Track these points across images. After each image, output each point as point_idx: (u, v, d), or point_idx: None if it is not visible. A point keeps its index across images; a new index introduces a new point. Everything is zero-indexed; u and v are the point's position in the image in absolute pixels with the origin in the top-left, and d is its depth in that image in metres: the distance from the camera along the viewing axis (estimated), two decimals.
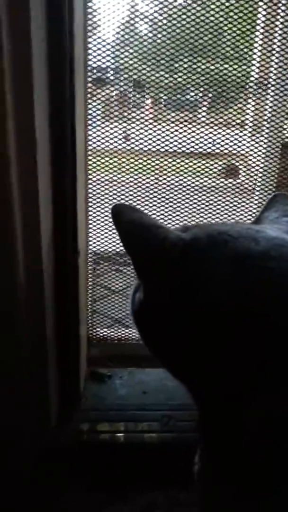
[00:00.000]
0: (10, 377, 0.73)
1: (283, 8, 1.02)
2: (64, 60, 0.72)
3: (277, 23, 1.04)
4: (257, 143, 1.13)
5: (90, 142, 1.04)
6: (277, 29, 1.04)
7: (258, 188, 1.12)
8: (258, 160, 1.14)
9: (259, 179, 1.15)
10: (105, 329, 1.11)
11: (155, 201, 1.11)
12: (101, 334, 1.11)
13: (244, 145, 1.12)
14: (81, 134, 0.87)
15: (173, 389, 0.85)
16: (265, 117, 1.11)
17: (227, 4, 1.03)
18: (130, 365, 1.01)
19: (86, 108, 0.94)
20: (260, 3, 1.03)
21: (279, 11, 1.01)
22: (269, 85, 1.10)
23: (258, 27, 1.04)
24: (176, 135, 1.08)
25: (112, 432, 0.85)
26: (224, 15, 1.05)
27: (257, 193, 1.13)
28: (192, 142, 1.09)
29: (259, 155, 1.13)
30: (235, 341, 0.46)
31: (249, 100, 1.11)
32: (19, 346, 0.73)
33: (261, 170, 1.15)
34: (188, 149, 1.10)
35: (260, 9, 1.04)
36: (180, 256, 0.51)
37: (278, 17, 1.02)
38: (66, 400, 0.86)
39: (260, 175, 1.15)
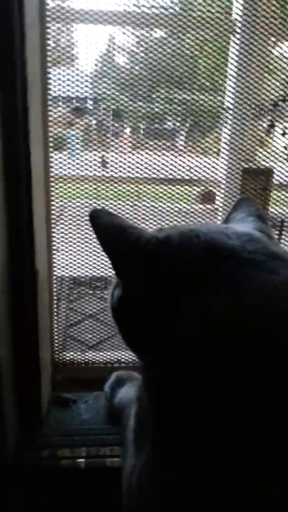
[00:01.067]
0: None
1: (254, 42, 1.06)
2: (15, 82, 0.72)
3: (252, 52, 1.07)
4: (229, 168, 1.15)
5: (66, 169, 1.05)
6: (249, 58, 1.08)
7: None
8: (231, 185, 1.16)
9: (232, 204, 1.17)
10: (72, 353, 1.09)
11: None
12: (68, 358, 1.08)
13: (218, 171, 1.15)
14: (39, 160, 0.88)
15: None
16: (232, 143, 1.14)
17: (201, 38, 1.07)
18: (97, 388, 0.98)
19: (46, 132, 0.96)
20: (232, 38, 1.07)
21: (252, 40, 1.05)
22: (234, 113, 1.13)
23: (230, 59, 1.08)
24: (154, 163, 1.10)
25: (73, 458, 0.82)
26: (199, 48, 1.09)
27: None
28: (170, 169, 1.11)
29: (231, 180, 1.15)
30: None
31: (223, 128, 1.14)
32: None
33: (234, 194, 1.17)
34: (165, 176, 1.12)
35: (231, 42, 1.08)
36: (154, 251, 0.54)
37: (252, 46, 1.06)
38: (26, 425, 0.83)
39: (233, 199, 1.17)
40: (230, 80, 1.09)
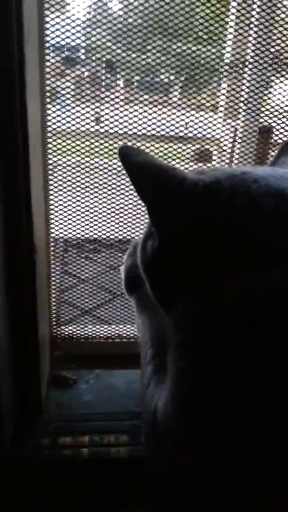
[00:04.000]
0: None
1: None
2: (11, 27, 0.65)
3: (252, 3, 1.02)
4: (232, 126, 1.12)
5: (58, 123, 1.01)
6: (250, 9, 1.03)
7: None
8: (232, 145, 1.13)
9: (234, 165, 1.14)
10: (71, 327, 1.02)
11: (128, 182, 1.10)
12: (66, 333, 1.01)
13: (218, 129, 1.11)
14: (36, 114, 0.82)
15: None
16: (241, 100, 1.10)
17: None
18: (98, 366, 0.93)
19: (43, 86, 0.90)
20: None
21: None
22: (244, 68, 1.08)
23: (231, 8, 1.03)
24: (148, 118, 1.07)
25: (76, 447, 0.77)
26: None
27: None
28: (164, 124, 1.08)
29: (234, 140, 1.12)
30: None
31: (223, 84, 1.10)
32: None
33: (236, 155, 1.14)
34: (160, 132, 1.08)
35: None
36: (203, 196, 0.47)
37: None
38: (24, 409, 0.78)
39: (236, 160, 1.14)
40: (229, 31, 1.04)
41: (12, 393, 0.74)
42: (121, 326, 1.07)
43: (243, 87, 1.09)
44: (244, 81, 1.09)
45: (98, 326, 1.04)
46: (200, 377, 0.47)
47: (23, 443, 0.76)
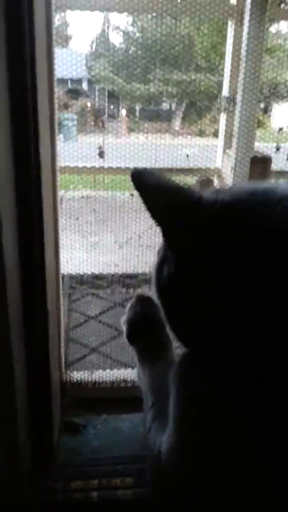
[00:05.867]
0: None
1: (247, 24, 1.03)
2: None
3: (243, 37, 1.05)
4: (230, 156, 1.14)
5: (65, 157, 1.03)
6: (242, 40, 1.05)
7: None
8: (229, 173, 1.14)
9: None
10: (80, 372, 1.06)
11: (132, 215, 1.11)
12: (76, 378, 1.07)
13: (217, 158, 1.13)
14: (47, 146, 0.84)
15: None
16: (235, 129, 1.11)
17: (197, 19, 1.04)
18: (105, 409, 0.96)
19: (52, 124, 0.92)
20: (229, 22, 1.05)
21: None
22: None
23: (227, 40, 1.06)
24: (151, 151, 1.08)
25: (86, 491, 0.81)
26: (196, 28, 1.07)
27: None
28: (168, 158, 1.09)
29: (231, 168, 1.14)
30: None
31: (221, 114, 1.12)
32: None
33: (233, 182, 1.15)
34: (163, 165, 1.09)
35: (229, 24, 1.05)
36: (221, 215, 0.44)
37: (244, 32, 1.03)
38: (38, 455, 0.81)
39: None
40: (227, 62, 1.06)
41: (27, 439, 0.78)
42: (127, 371, 1.11)
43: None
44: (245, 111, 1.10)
45: (105, 371, 1.09)
46: (196, 426, 0.48)
47: (38, 487, 0.81)
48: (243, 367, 0.43)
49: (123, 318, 0.70)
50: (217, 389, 0.44)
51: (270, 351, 0.42)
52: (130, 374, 1.01)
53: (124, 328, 0.68)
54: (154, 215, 0.46)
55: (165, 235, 0.48)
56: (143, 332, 0.62)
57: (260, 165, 1.05)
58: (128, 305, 0.69)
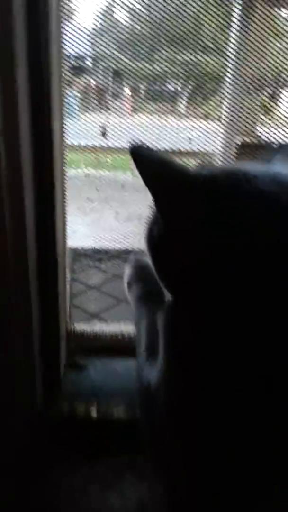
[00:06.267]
0: (4, 367, 0.83)
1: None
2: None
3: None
4: (228, 138, 1.13)
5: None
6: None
7: None
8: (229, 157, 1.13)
9: None
10: (83, 324, 1.15)
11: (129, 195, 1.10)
12: (79, 329, 1.16)
13: (217, 141, 1.11)
14: (58, 130, 0.85)
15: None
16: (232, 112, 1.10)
17: None
18: (104, 355, 1.11)
19: (61, 101, 0.92)
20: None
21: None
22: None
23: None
24: (153, 130, 1.07)
25: (87, 411, 0.99)
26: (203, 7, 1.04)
27: None
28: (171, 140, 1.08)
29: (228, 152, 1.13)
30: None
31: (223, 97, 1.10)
32: (11, 343, 0.81)
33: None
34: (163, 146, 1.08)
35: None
36: (203, 188, 0.52)
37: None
38: (48, 386, 0.97)
39: None
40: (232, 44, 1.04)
41: (40, 372, 0.94)
42: (126, 326, 1.16)
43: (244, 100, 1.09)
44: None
45: (103, 325, 1.18)
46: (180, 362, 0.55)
47: (49, 406, 0.98)
48: (227, 315, 0.49)
49: (126, 265, 0.82)
50: (200, 335, 0.52)
51: (253, 300, 0.48)
52: (127, 329, 1.15)
53: (126, 272, 0.81)
54: (147, 184, 0.53)
55: (156, 201, 0.55)
56: (138, 280, 0.76)
57: (248, 150, 1.06)
58: (129, 258, 0.80)
